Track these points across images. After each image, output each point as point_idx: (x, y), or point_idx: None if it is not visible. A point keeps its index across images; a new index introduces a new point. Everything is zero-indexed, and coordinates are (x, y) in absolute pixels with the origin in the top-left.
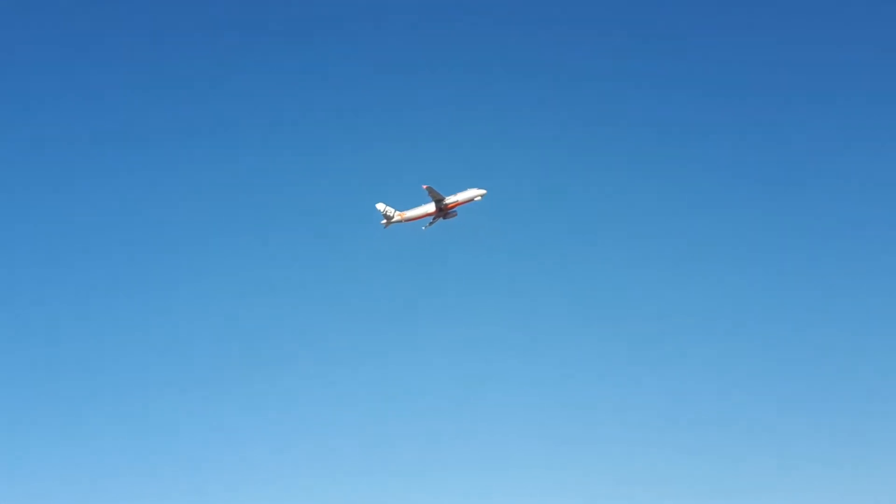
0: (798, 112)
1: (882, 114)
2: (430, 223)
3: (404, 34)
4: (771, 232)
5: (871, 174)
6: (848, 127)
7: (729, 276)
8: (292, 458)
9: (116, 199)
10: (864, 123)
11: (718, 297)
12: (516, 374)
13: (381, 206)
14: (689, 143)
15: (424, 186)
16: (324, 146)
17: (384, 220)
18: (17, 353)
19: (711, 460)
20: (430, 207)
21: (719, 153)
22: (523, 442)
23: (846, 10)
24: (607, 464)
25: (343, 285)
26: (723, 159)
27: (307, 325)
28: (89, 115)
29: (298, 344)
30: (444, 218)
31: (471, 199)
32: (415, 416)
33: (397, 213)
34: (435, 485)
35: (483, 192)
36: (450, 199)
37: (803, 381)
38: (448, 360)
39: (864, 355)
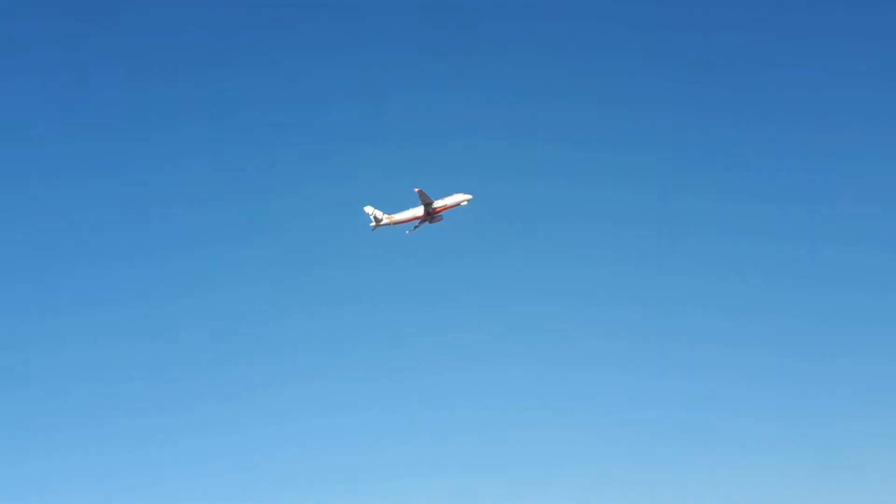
0: (791, 109)
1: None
2: (416, 227)
3: (395, 37)
4: (756, 233)
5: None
6: (850, 125)
7: (719, 279)
8: (278, 460)
9: (108, 200)
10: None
11: (711, 298)
12: (507, 374)
13: (369, 209)
14: (681, 145)
15: (416, 190)
16: (309, 150)
17: (373, 223)
18: (17, 354)
19: (713, 459)
20: (419, 211)
21: (715, 155)
22: (514, 441)
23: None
24: (601, 463)
25: (332, 287)
26: (720, 161)
27: (294, 327)
28: (82, 113)
29: (286, 345)
30: (430, 222)
31: (457, 204)
32: (409, 416)
33: (386, 216)
34: (428, 484)
35: (469, 197)
36: (437, 204)
37: (803, 380)
38: (438, 360)
39: (864, 354)
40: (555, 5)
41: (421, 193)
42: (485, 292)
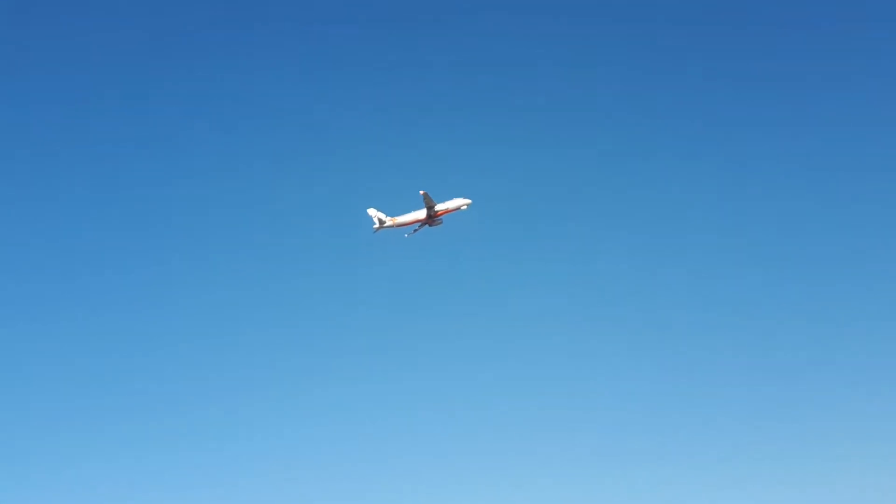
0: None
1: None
2: (415, 230)
3: (400, 38)
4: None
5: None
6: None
7: (721, 279)
8: (278, 462)
9: (109, 201)
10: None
11: (711, 298)
12: (506, 375)
13: (372, 212)
14: (681, 145)
15: (421, 192)
16: (308, 152)
17: (376, 225)
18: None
19: (713, 458)
20: (421, 214)
21: (717, 158)
22: (514, 442)
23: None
24: (602, 463)
25: (335, 287)
26: (721, 160)
27: (298, 328)
28: (83, 113)
29: (288, 346)
30: (431, 225)
31: (457, 208)
32: (409, 418)
33: (389, 218)
34: (426, 486)
35: (468, 201)
36: (439, 207)
37: (803, 379)
38: (439, 361)
39: (864, 354)
40: (559, 7)
41: (426, 196)
42: (484, 294)
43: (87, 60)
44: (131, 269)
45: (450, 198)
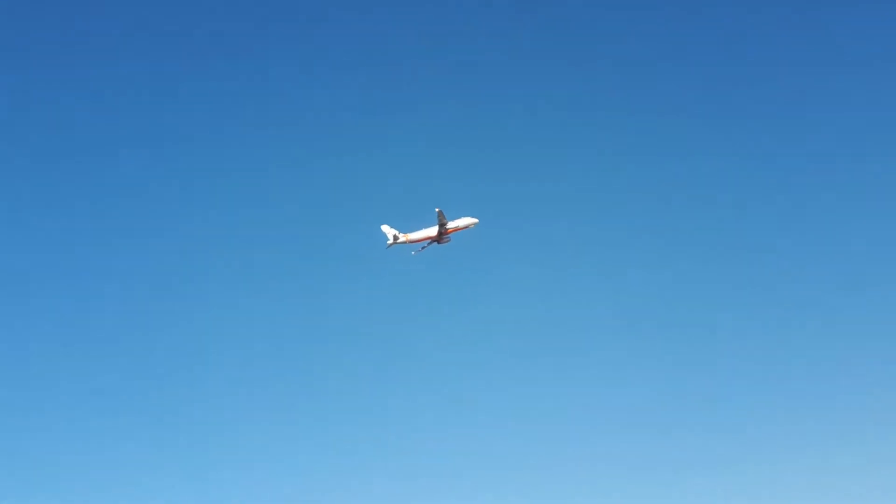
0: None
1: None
2: (423, 247)
3: (415, 56)
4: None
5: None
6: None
7: (731, 291)
8: (282, 472)
9: (126, 207)
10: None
11: (721, 309)
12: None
13: (385, 228)
14: (686, 168)
15: (437, 210)
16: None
17: (390, 241)
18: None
19: (713, 461)
20: (433, 231)
21: (720, 170)
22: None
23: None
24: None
25: (351, 297)
26: (726, 174)
27: (311, 340)
28: (83, 115)
29: (302, 362)
30: (440, 242)
31: (466, 227)
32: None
33: (402, 234)
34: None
35: (475, 220)
36: (450, 225)
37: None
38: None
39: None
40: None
41: (440, 214)
42: (497, 305)
43: (87, 60)
44: (144, 276)
45: (458, 216)
